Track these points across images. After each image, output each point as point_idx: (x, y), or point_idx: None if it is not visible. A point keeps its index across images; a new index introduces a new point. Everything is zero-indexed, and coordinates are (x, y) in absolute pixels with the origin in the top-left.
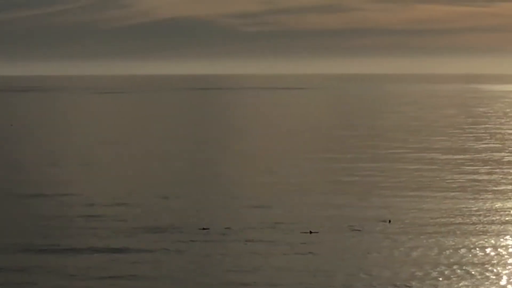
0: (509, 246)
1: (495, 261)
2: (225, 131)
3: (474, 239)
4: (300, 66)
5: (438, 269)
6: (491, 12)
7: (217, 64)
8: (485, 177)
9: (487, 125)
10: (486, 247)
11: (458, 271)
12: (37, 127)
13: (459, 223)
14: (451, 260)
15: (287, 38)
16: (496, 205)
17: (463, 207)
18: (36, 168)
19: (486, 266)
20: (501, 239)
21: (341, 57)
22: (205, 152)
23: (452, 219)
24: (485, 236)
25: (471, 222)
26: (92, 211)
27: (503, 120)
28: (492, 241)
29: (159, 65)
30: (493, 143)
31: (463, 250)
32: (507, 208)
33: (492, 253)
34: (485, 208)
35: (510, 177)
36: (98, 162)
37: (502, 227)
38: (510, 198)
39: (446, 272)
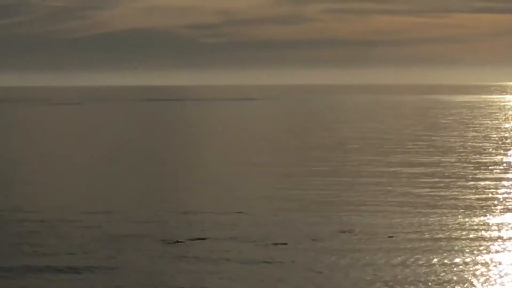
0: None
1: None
2: (178, 142)
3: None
4: (259, 76)
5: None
6: (448, 23)
7: (176, 75)
8: (441, 192)
9: (448, 136)
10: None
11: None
12: None
13: (419, 238)
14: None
15: (246, 49)
16: (458, 220)
17: (417, 221)
18: None
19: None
20: (465, 255)
21: (301, 68)
22: (156, 163)
23: (407, 233)
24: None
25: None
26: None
27: (462, 132)
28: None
29: (118, 76)
30: (452, 155)
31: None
32: (469, 223)
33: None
34: (441, 222)
35: (467, 191)
36: (48, 174)
37: (463, 242)
38: (467, 213)
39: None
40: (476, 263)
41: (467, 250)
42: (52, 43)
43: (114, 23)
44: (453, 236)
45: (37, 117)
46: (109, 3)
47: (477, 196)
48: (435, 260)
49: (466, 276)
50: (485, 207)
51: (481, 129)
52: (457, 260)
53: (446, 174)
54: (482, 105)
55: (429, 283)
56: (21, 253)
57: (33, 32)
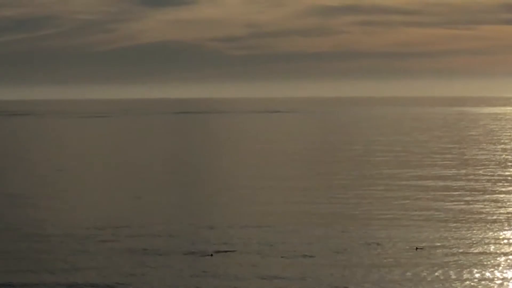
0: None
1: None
2: (204, 155)
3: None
4: (286, 89)
5: None
6: (474, 35)
7: (202, 88)
8: (468, 205)
9: (475, 149)
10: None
11: None
12: (21, 153)
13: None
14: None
15: (273, 61)
16: (486, 235)
17: (457, 236)
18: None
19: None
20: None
21: (327, 80)
22: (187, 176)
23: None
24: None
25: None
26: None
27: (492, 146)
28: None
29: (146, 89)
30: (481, 169)
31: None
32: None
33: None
34: (475, 237)
35: (494, 204)
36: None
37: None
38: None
39: None
40: (502, 278)
41: (494, 264)
42: (79, 57)
43: (141, 36)
44: (477, 251)
45: (69, 130)
46: (136, 16)
47: (504, 210)
48: (463, 273)
49: None
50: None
51: (508, 141)
52: (482, 274)
53: (473, 187)
54: (509, 117)
55: None
56: (41, 269)
57: (60, 45)
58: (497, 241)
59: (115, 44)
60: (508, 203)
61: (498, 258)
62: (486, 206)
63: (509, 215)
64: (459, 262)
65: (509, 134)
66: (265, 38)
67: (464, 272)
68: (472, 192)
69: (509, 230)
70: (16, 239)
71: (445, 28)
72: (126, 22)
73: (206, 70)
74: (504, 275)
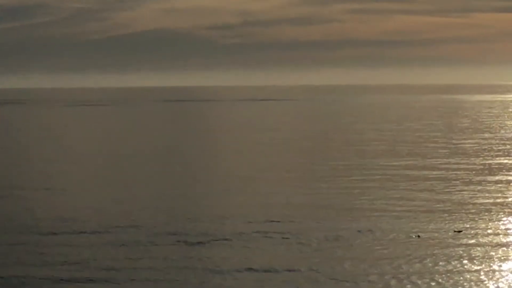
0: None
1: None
2: (199, 144)
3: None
4: (279, 77)
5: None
6: (468, 23)
7: (196, 76)
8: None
9: (466, 139)
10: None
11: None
12: (13, 142)
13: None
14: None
15: (266, 49)
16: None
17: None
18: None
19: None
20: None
21: (320, 68)
22: (180, 166)
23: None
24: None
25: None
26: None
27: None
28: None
29: (138, 77)
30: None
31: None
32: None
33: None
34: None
35: (482, 194)
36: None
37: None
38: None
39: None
40: (491, 269)
41: (488, 256)
42: (72, 45)
43: (135, 25)
44: (469, 242)
45: (62, 119)
46: (129, 5)
47: (494, 200)
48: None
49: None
50: (504, 211)
51: (498, 129)
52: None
53: (464, 177)
54: (502, 105)
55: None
56: (27, 263)
57: (53, 34)
58: (489, 230)
59: (108, 32)
60: (499, 192)
61: (495, 248)
62: (477, 195)
63: (500, 205)
64: (451, 251)
65: (500, 122)
66: (257, 27)
67: (455, 263)
68: (463, 182)
69: (502, 219)
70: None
71: (437, 16)
72: (119, 10)
73: (199, 58)
74: (498, 266)
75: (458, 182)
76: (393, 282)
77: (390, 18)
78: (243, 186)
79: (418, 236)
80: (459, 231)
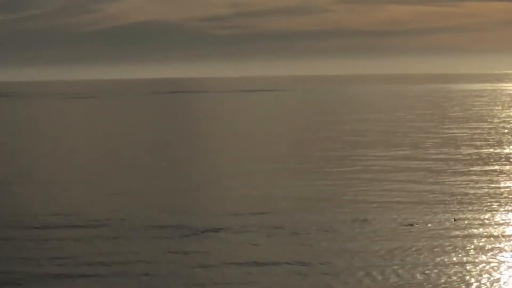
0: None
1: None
2: (191, 135)
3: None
4: (271, 68)
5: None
6: (459, 12)
7: (187, 68)
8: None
9: (457, 128)
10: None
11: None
12: (6, 135)
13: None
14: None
15: (257, 40)
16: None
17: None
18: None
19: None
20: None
21: (312, 58)
22: (172, 158)
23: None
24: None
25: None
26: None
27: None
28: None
29: (130, 69)
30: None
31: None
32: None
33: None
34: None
35: (474, 185)
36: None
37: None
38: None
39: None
40: (482, 261)
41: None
42: (64, 37)
43: (126, 16)
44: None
45: (52, 112)
46: None
47: (488, 190)
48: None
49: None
50: (497, 202)
51: (491, 119)
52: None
53: (457, 167)
54: (493, 94)
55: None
56: (9, 258)
57: (45, 26)
58: (484, 221)
59: (99, 24)
60: (492, 183)
61: (489, 239)
62: (469, 186)
63: (494, 195)
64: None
65: (493, 111)
66: (249, 18)
67: (453, 255)
68: (456, 172)
69: (497, 211)
70: None
71: (429, 5)
72: (110, 2)
73: (191, 49)
74: (493, 258)
75: (450, 172)
76: (388, 272)
77: (382, 8)
78: (235, 178)
79: (411, 225)
80: (455, 220)
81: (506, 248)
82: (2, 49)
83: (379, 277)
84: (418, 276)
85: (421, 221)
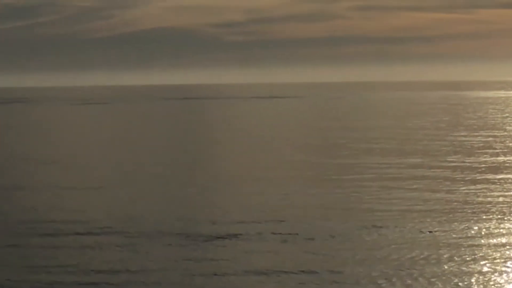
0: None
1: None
2: (205, 141)
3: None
4: (285, 74)
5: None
6: (475, 19)
7: (201, 74)
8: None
9: (473, 136)
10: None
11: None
12: (18, 140)
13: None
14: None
15: (271, 47)
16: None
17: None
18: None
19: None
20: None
21: (326, 65)
22: (184, 164)
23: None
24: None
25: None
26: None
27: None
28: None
29: (144, 75)
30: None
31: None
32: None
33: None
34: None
35: (488, 194)
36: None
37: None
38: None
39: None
40: (493, 270)
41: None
42: (78, 43)
43: (140, 22)
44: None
45: (66, 117)
46: (135, 2)
47: (503, 198)
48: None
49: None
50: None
51: (506, 126)
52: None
53: (472, 175)
54: (507, 101)
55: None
56: (14, 266)
57: (59, 32)
58: (497, 230)
59: (114, 31)
60: (507, 191)
61: (499, 249)
62: (486, 195)
63: (506, 203)
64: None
65: (507, 119)
66: (263, 24)
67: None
68: (472, 180)
69: (508, 219)
70: None
71: (443, 12)
72: (124, 9)
73: (204, 55)
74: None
75: (464, 180)
76: (399, 282)
77: (396, 14)
78: (249, 185)
79: (430, 232)
80: (474, 229)
81: None
82: (17, 55)
83: (399, 285)
84: (440, 284)
85: (440, 229)
